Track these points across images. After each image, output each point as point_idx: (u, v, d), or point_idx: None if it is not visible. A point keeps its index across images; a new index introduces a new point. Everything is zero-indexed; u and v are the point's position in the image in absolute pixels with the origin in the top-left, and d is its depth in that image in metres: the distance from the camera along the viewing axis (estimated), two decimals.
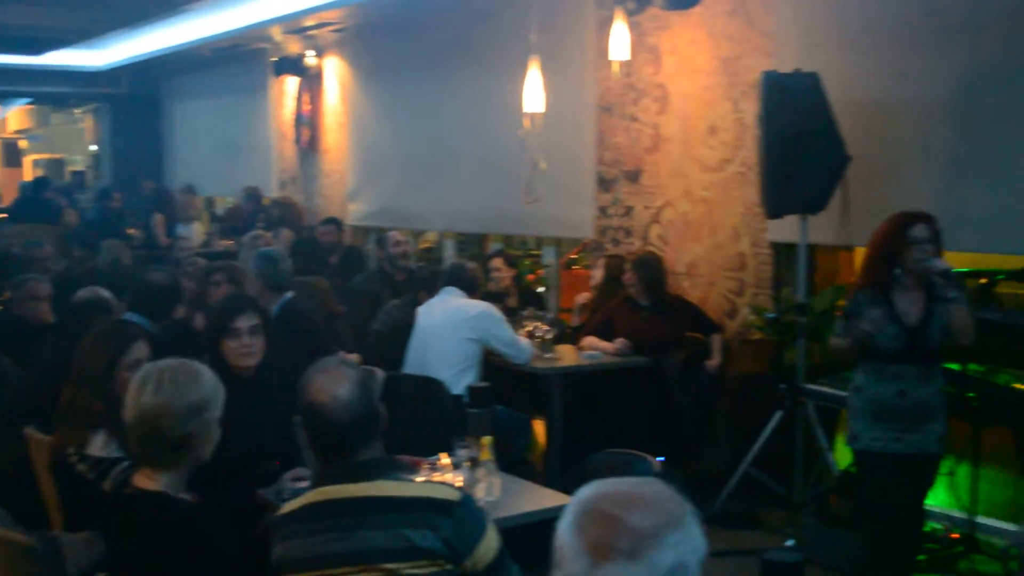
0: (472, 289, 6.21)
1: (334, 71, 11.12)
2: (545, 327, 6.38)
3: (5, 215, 13.85)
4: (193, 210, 12.26)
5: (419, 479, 3.42)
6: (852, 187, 5.63)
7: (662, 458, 4.26)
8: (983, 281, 5.20)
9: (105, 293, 5.59)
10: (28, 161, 21.77)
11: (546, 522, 1.74)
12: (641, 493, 1.71)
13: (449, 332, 5.92)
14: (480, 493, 3.58)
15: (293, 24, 10.46)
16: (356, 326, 6.84)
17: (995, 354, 5.36)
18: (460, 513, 2.66)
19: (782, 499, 5.80)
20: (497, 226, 9.08)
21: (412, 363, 6.02)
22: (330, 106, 11.23)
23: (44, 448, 3.86)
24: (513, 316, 6.56)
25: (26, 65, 14.24)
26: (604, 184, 7.64)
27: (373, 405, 2.83)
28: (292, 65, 11.34)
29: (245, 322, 4.19)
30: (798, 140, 5.45)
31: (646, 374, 6.30)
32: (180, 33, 11.64)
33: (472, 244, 10.26)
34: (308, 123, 11.49)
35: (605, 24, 7.20)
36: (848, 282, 5.97)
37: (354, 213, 10.75)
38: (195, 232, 11.52)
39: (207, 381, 2.95)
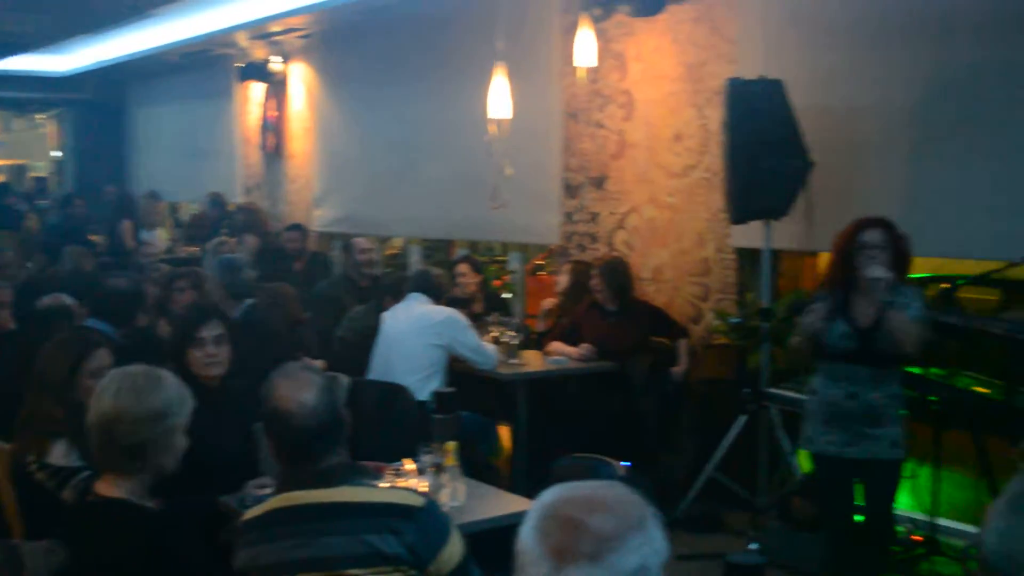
0: (438, 295, 6.20)
1: (300, 77, 11.09)
2: (511, 333, 6.38)
3: None
4: (157, 216, 12.17)
5: (383, 485, 3.41)
6: (815, 193, 5.68)
7: (627, 463, 4.27)
8: (944, 286, 5.24)
9: (69, 300, 5.55)
10: None
11: (511, 527, 1.73)
12: (603, 496, 1.71)
13: (414, 338, 5.91)
14: (445, 499, 3.58)
15: (259, 30, 10.43)
16: (321, 332, 6.81)
17: (955, 358, 5.41)
18: (424, 519, 2.65)
19: (746, 502, 5.84)
20: (463, 232, 9.08)
21: (377, 369, 6.01)
22: (295, 112, 11.19)
23: (4, 456, 3.82)
24: (478, 322, 6.56)
25: None
26: (570, 190, 7.66)
27: (337, 411, 2.83)
28: (257, 71, 11.29)
29: (210, 331, 4.17)
30: (762, 146, 5.49)
31: (612, 379, 6.31)
32: (145, 39, 11.57)
33: (438, 250, 10.25)
34: (273, 129, 11.45)
35: (571, 31, 7.22)
36: (811, 287, 6.02)
37: (319, 219, 10.71)
38: (159, 238, 11.44)
39: (170, 389, 2.91)
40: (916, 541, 5.41)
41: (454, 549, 2.69)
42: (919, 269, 4.53)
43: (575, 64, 7.16)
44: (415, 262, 9.72)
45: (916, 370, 5.04)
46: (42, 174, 19.44)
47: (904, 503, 5.54)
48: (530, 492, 1.73)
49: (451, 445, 3.72)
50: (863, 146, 5.78)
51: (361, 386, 5.46)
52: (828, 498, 4.66)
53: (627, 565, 1.64)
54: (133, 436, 2.80)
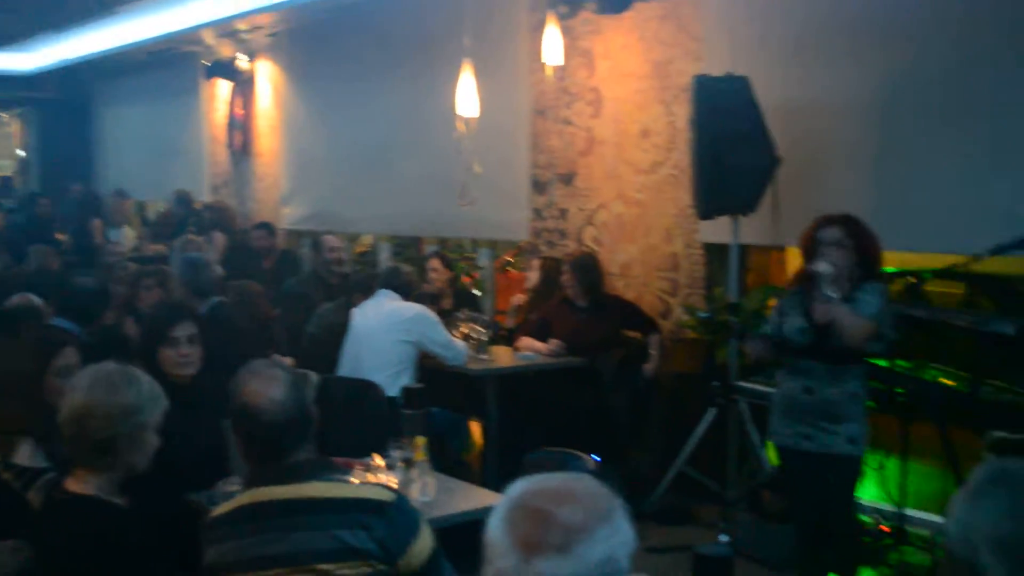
0: (407, 292, 6.20)
1: (267, 75, 11.04)
2: (480, 329, 6.39)
3: None
4: (124, 214, 12.09)
5: (353, 480, 3.41)
6: (782, 188, 5.71)
7: (597, 457, 4.30)
8: (911, 280, 5.29)
9: (37, 300, 5.51)
10: None
11: (482, 522, 1.74)
12: (570, 488, 1.72)
13: (384, 334, 5.91)
14: (415, 494, 3.58)
15: (225, 28, 10.38)
16: (290, 330, 6.80)
17: (922, 350, 5.47)
18: (393, 513, 2.65)
19: (716, 495, 5.87)
20: (432, 229, 9.07)
21: (347, 366, 6.00)
22: (263, 110, 11.14)
23: None
24: (448, 318, 6.56)
25: None
26: (538, 187, 7.67)
27: (305, 406, 2.83)
28: (224, 69, 11.24)
29: (183, 331, 4.16)
30: (729, 142, 5.52)
31: (582, 374, 6.33)
32: (111, 36, 11.48)
33: (408, 247, 10.24)
34: (240, 127, 11.39)
35: (538, 28, 7.23)
36: (779, 282, 6.07)
37: (288, 217, 10.67)
38: (126, 237, 11.37)
39: (142, 387, 2.91)
40: (884, 532, 5.46)
41: (424, 543, 2.69)
42: (887, 264, 4.55)
43: (543, 61, 7.17)
44: (385, 259, 9.71)
45: (883, 363, 5.08)
46: (7, 173, 19.26)
47: (872, 494, 5.60)
48: (501, 487, 1.73)
49: (420, 440, 3.73)
50: (829, 142, 5.83)
51: (331, 383, 5.45)
52: (792, 490, 4.70)
53: (595, 556, 1.65)
54: (104, 431, 2.79)
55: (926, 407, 5.19)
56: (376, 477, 3.64)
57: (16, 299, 5.51)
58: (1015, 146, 5.12)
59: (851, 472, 4.45)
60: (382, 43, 9.19)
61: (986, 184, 5.22)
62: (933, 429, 5.21)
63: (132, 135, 14.46)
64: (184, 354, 4.13)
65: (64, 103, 15.72)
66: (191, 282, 5.75)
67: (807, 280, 4.41)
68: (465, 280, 9.27)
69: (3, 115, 19.15)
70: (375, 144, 9.33)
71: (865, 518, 5.59)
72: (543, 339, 6.45)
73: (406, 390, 4.25)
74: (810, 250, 4.40)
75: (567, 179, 7.44)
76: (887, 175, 5.60)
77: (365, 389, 5.57)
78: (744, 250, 6.11)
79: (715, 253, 6.46)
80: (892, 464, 5.42)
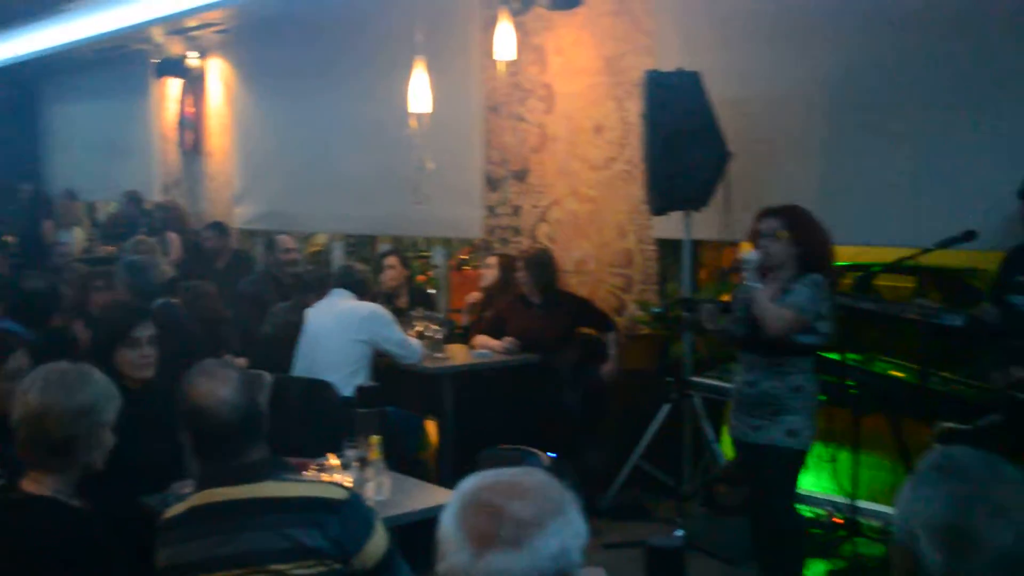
0: (361, 291, 6.17)
1: (217, 73, 10.95)
2: (435, 327, 6.37)
3: None
4: (73, 216, 11.95)
5: (307, 479, 3.39)
6: (733, 184, 5.75)
7: (553, 454, 4.29)
8: (860, 273, 5.35)
9: None
10: None
11: (437, 520, 1.74)
12: (522, 483, 1.72)
13: (338, 334, 5.88)
14: (370, 493, 3.57)
15: (174, 25, 10.27)
16: (244, 330, 6.74)
17: (872, 343, 5.53)
18: (347, 512, 2.64)
19: (671, 490, 5.90)
20: (386, 228, 9.04)
21: (301, 366, 5.96)
22: (214, 108, 11.04)
23: None
24: (403, 317, 6.55)
25: None
26: (492, 184, 7.67)
27: (257, 405, 2.81)
28: (174, 67, 11.11)
29: (144, 331, 4.12)
30: (680, 138, 5.56)
31: (537, 372, 6.33)
32: (57, 34, 11.31)
33: (362, 246, 10.19)
34: (191, 126, 11.28)
35: (490, 24, 7.22)
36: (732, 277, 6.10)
37: (240, 216, 10.59)
38: (75, 238, 11.23)
39: (97, 385, 2.90)
40: (837, 523, 5.52)
41: (379, 542, 2.68)
42: (837, 258, 4.59)
43: (495, 58, 7.17)
44: (338, 258, 9.67)
45: (835, 356, 5.13)
46: None
47: (825, 486, 5.66)
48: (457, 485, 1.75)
49: (375, 439, 3.72)
50: (780, 137, 5.88)
51: (285, 383, 5.42)
52: (747, 482, 4.73)
53: (547, 549, 1.65)
54: (62, 431, 2.77)
55: (877, 399, 5.25)
56: (331, 477, 3.62)
57: None
58: (963, 139, 5.19)
59: (789, 465, 4.39)
60: (334, 40, 9.14)
61: (935, 178, 5.29)
62: (884, 421, 5.28)
63: (81, 134, 14.28)
64: (145, 355, 4.10)
65: (10, 101, 15.48)
66: (134, 284, 5.69)
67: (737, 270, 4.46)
68: (420, 279, 9.25)
69: None
70: (328, 142, 9.29)
71: (818, 510, 5.65)
72: (498, 337, 6.45)
73: (360, 389, 4.23)
74: (754, 242, 4.43)
75: (520, 176, 7.45)
76: (837, 169, 5.66)
77: (320, 389, 5.54)
78: (697, 245, 6.14)
79: (668, 249, 6.50)
80: (844, 456, 5.48)
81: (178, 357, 4.39)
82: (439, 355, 6.27)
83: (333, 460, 3.76)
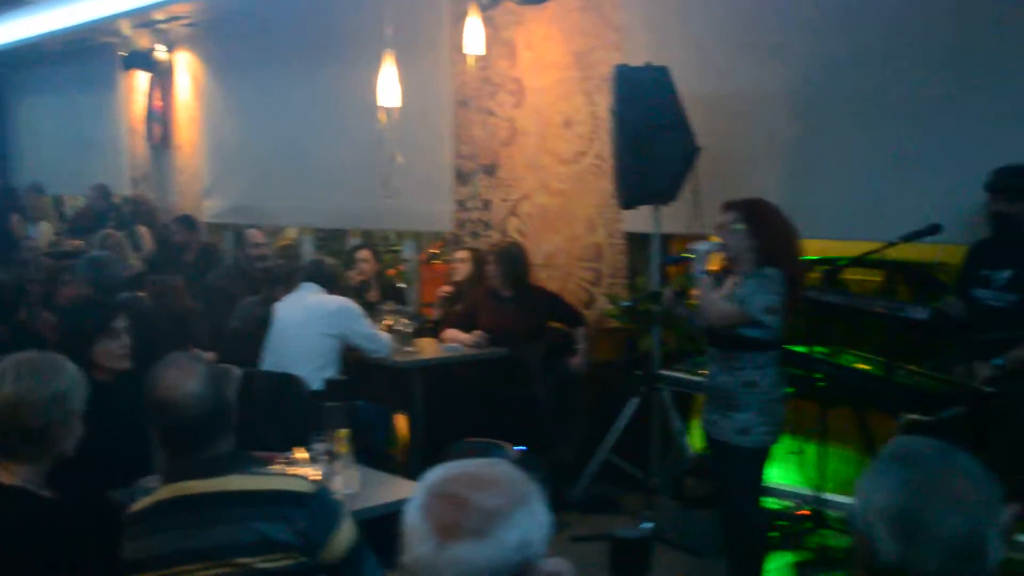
0: (331, 285, 6.15)
1: (186, 66, 10.87)
2: (404, 320, 6.37)
3: None
4: (41, 210, 11.86)
5: (274, 472, 3.39)
6: (702, 178, 5.78)
7: (523, 447, 4.30)
8: (828, 267, 5.39)
9: None
10: None
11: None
12: (486, 474, 1.73)
13: (307, 328, 5.86)
14: (338, 486, 3.57)
15: (142, 18, 10.22)
16: (213, 324, 6.72)
17: (839, 336, 5.57)
18: (314, 505, 2.64)
19: (640, 483, 5.92)
20: (356, 221, 9.02)
21: (270, 360, 5.94)
22: (182, 102, 10.97)
23: None
24: (372, 310, 6.54)
25: None
26: (462, 178, 7.67)
27: (224, 399, 2.80)
28: (142, 60, 11.04)
29: (121, 322, 4.15)
30: (649, 132, 5.57)
31: (508, 365, 6.34)
32: (24, 26, 11.22)
33: (332, 240, 10.16)
34: (160, 119, 11.21)
35: (460, 18, 7.22)
36: None
37: (209, 210, 10.53)
38: (43, 232, 11.15)
39: (69, 373, 2.90)
40: (803, 515, 5.56)
41: (346, 535, 2.68)
42: (806, 252, 4.62)
43: (464, 52, 7.17)
44: (308, 252, 9.64)
45: (802, 349, 5.17)
46: None
47: (792, 479, 5.70)
48: None
49: (343, 433, 3.71)
50: (748, 132, 5.91)
51: (254, 377, 5.41)
52: (713, 475, 4.77)
53: (511, 540, 1.66)
54: (37, 419, 2.78)
55: (844, 392, 5.29)
56: (299, 470, 3.62)
57: None
58: (929, 136, 5.24)
59: (744, 463, 4.34)
60: (303, 33, 9.10)
61: (902, 172, 5.33)
62: (851, 413, 5.33)
63: (48, 127, 14.14)
64: (124, 345, 4.13)
65: None
66: (94, 280, 5.66)
67: (724, 267, 4.48)
68: (390, 272, 9.24)
69: None
70: (297, 136, 9.25)
71: (785, 502, 5.70)
72: (469, 330, 6.45)
73: (328, 382, 4.23)
74: (719, 234, 4.46)
75: (490, 170, 7.45)
76: (805, 164, 5.70)
77: (288, 383, 5.53)
78: (666, 239, 6.16)
79: (637, 242, 6.52)
80: (811, 448, 5.52)
81: (145, 351, 4.39)
82: (408, 349, 6.27)
83: (301, 454, 3.77)
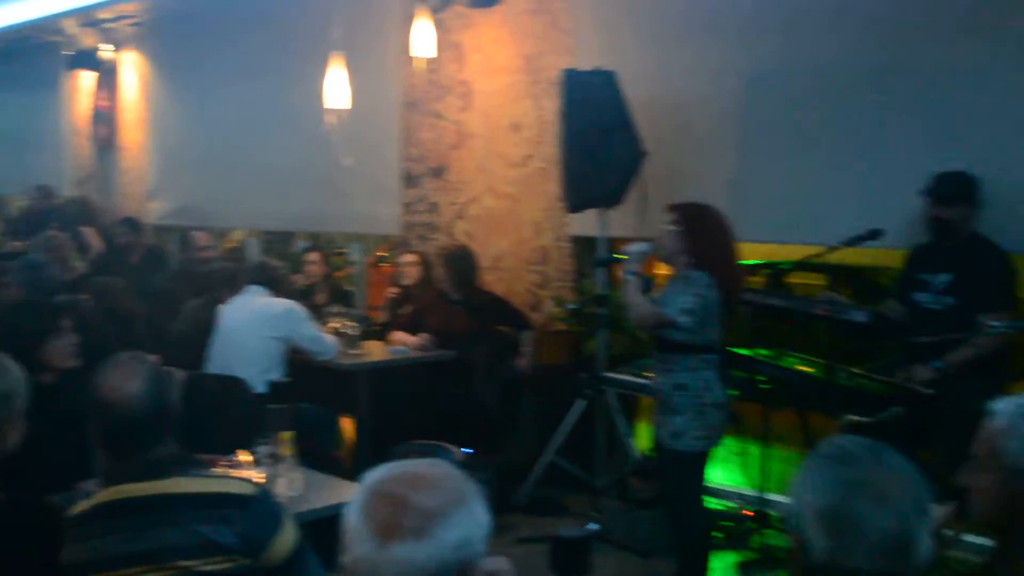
0: (276, 288, 6.12)
1: (132, 65, 10.76)
2: (351, 323, 6.36)
3: None
4: None
5: (215, 475, 3.37)
6: (648, 181, 5.82)
7: (469, 450, 4.30)
8: (771, 271, 5.45)
9: None
10: None
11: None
12: (426, 474, 1.75)
13: (253, 331, 5.83)
14: (281, 489, 3.56)
15: (87, 17, 10.11)
16: (157, 327, 6.65)
17: (782, 339, 5.63)
18: (255, 506, 2.63)
19: (586, 485, 5.95)
20: (303, 224, 8.98)
21: (215, 362, 5.89)
22: (128, 102, 10.86)
23: None
24: (320, 313, 6.52)
25: None
26: (410, 180, 7.66)
27: (165, 400, 2.78)
28: (87, 59, 10.92)
29: (68, 321, 4.13)
30: (596, 136, 5.61)
31: (454, 368, 6.34)
32: None
33: (279, 242, 10.11)
34: (105, 119, 11.09)
35: (409, 21, 7.20)
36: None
37: (154, 212, 10.43)
38: None
39: (13, 371, 2.89)
40: (747, 516, 5.62)
41: (287, 537, 2.67)
42: (751, 255, 4.67)
43: (413, 54, 7.16)
44: (254, 255, 9.57)
45: (746, 351, 5.22)
46: None
47: (735, 480, 5.76)
48: None
49: (287, 435, 3.70)
50: (693, 135, 5.96)
51: (198, 380, 5.36)
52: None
53: (451, 539, 1.67)
54: None
55: (786, 394, 5.35)
56: (242, 473, 3.60)
57: None
58: (872, 139, 5.31)
59: (680, 466, 4.36)
60: (251, 33, 9.03)
61: (844, 176, 5.40)
62: (793, 415, 5.39)
63: None
64: (73, 343, 4.11)
65: None
66: (29, 283, 5.60)
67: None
68: (337, 275, 9.21)
69: None
70: (244, 137, 9.18)
71: (729, 503, 5.75)
72: (416, 333, 6.45)
73: (273, 385, 4.21)
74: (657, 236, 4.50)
75: (438, 173, 7.45)
76: (750, 169, 5.76)
77: (233, 386, 5.48)
78: (611, 242, 6.19)
79: (584, 246, 6.55)
80: (754, 450, 5.58)
81: (87, 354, 4.35)
82: (355, 351, 6.26)
83: (244, 456, 3.75)
